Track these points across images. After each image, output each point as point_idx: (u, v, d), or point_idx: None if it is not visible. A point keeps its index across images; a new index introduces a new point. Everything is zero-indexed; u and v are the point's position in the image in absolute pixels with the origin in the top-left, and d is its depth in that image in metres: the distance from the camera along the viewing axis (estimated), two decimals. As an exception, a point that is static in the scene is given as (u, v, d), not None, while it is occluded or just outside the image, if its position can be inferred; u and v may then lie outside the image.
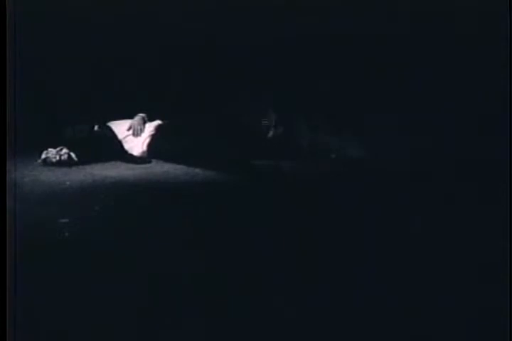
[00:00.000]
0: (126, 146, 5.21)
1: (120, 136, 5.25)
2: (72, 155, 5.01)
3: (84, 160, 5.02)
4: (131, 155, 5.17)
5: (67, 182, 4.45)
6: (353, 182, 4.32)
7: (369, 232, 3.24)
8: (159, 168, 4.95)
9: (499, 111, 3.80)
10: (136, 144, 5.20)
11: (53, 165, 4.92)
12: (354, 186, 4.21)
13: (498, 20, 3.69)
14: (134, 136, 5.22)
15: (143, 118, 5.29)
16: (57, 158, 4.95)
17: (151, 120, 5.37)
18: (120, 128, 5.29)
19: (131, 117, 5.33)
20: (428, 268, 2.76)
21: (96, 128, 5.25)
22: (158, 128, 5.29)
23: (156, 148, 5.18)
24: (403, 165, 4.57)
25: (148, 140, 5.24)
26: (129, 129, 5.23)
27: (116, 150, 5.18)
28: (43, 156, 4.96)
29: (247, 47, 5.43)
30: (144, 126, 5.28)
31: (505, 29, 3.58)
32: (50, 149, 4.99)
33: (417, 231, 3.22)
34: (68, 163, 4.96)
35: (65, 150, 5.00)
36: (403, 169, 4.48)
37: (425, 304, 2.39)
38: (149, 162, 5.10)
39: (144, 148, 5.23)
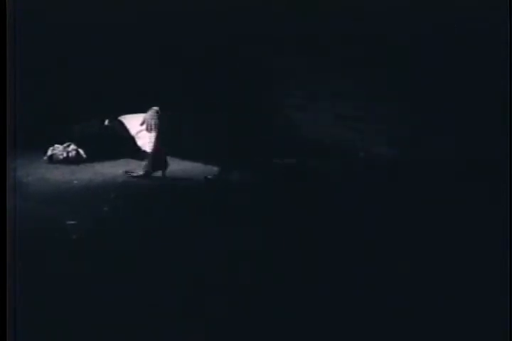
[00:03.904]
0: (139, 142, 5.28)
1: (132, 132, 5.33)
2: (81, 152, 5.10)
3: (93, 157, 5.11)
4: (144, 152, 5.19)
5: (75, 181, 4.55)
6: (353, 182, 4.48)
7: (369, 232, 3.42)
8: (176, 166, 5.02)
9: (499, 111, 4.00)
10: (150, 140, 5.17)
11: (60, 163, 5.01)
12: (354, 186, 4.36)
13: (498, 21, 3.91)
14: (148, 132, 5.19)
15: (157, 112, 5.25)
16: (65, 155, 5.04)
17: (166, 114, 5.48)
18: (132, 122, 5.35)
19: (144, 111, 5.32)
20: (428, 268, 2.94)
21: (106, 122, 5.36)
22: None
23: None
24: (403, 164, 4.75)
25: (162, 136, 5.32)
26: (142, 124, 5.23)
27: (128, 147, 5.26)
28: (49, 153, 5.06)
29: (260, 45, 5.56)
30: (159, 121, 5.25)
31: (505, 29, 3.78)
32: (56, 145, 5.09)
33: (417, 231, 3.40)
34: (76, 160, 5.05)
35: (72, 147, 5.09)
36: (404, 169, 4.66)
37: (425, 304, 2.57)
38: None
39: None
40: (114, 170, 4.86)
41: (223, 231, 3.49)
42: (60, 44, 5.45)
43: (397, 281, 2.80)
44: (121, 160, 5.15)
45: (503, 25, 3.80)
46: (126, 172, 4.74)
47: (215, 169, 4.90)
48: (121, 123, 5.35)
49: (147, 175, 4.72)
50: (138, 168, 4.76)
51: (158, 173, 4.75)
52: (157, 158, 4.78)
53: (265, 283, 2.80)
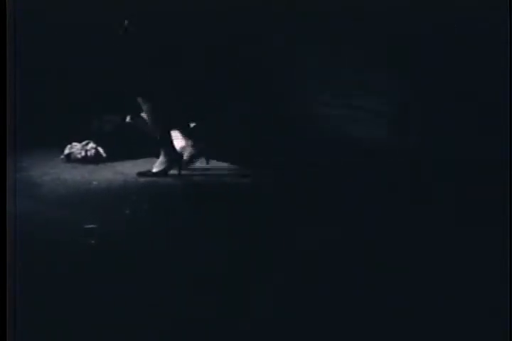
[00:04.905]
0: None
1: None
2: (100, 150, 5.04)
3: (114, 156, 5.05)
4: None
5: (94, 182, 4.50)
6: (352, 183, 4.50)
7: (369, 231, 3.49)
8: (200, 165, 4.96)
9: (500, 110, 4.15)
10: (175, 138, 5.04)
11: (78, 162, 4.96)
12: (352, 186, 4.40)
13: (498, 21, 4.08)
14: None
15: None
16: (83, 153, 4.98)
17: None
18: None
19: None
20: (428, 268, 3.00)
21: (128, 119, 5.30)
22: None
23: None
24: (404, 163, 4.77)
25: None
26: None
27: (150, 145, 5.07)
28: (67, 151, 4.99)
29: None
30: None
31: (505, 29, 3.95)
32: (74, 143, 5.03)
33: (418, 231, 3.48)
34: (95, 159, 5.00)
35: (91, 145, 5.03)
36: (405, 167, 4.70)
37: (425, 304, 2.64)
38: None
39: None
40: (136, 170, 4.74)
41: (252, 233, 3.50)
42: (63, 41, 5.47)
43: (397, 281, 2.87)
44: (144, 159, 5.04)
45: (503, 25, 3.93)
46: (140, 173, 4.64)
47: (243, 170, 4.84)
48: (144, 120, 5.15)
49: (164, 172, 4.61)
50: (154, 167, 4.68)
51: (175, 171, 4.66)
52: (174, 154, 4.69)
53: (265, 283, 2.85)
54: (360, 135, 5.16)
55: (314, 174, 4.66)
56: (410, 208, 3.87)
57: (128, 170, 4.78)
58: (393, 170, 4.62)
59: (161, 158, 4.64)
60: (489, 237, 3.29)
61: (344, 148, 5.07)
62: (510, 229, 3.05)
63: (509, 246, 2.93)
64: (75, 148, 4.96)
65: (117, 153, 5.02)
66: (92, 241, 3.31)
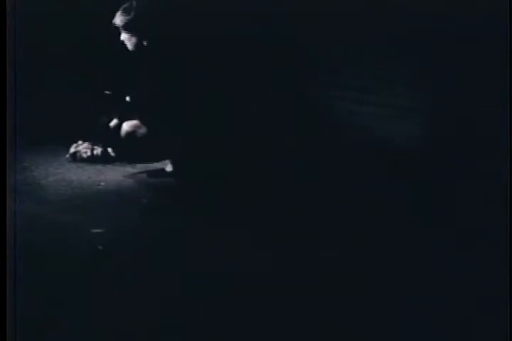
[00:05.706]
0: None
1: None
2: (108, 149, 4.94)
3: (122, 156, 4.90)
4: None
5: (102, 183, 4.44)
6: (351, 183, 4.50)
7: (369, 232, 3.55)
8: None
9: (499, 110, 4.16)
10: None
11: (84, 162, 4.87)
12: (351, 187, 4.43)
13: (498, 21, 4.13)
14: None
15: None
16: (89, 153, 4.88)
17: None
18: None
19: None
20: (428, 270, 3.05)
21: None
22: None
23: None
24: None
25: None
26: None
27: (162, 145, 4.87)
28: (72, 150, 4.90)
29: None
30: None
31: (505, 29, 3.96)
32: (80, 142, 4.94)
33: (418, 231, 3.56)
34: (103, 159, 4.90)
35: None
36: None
37: (425, 304, 2.68)
38: None
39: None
40: (147, 170, 4.71)
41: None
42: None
43: (397, 281, 2.94)
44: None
45: (503, 25, 3.97)
46: (151, 174, 4.59)
47: (267, 169, 4.67)
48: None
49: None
50: (167, 167, 4.63)
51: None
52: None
53: (266, 283, 2.90)
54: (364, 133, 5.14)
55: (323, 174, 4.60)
56: (411, 208, 3.89)
57: (138, 170, 4.70)
58: (396, 169, 4.59)
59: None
60: (489, 237, 3.34)
61: (347, 148, 5.01)
62: (510, 229, 3.09)
63: (509, 246, 2.99)
64: (81, 146, 4.86)
65: (126, 152, 4.81)
66: (99, 247, 3.28)
